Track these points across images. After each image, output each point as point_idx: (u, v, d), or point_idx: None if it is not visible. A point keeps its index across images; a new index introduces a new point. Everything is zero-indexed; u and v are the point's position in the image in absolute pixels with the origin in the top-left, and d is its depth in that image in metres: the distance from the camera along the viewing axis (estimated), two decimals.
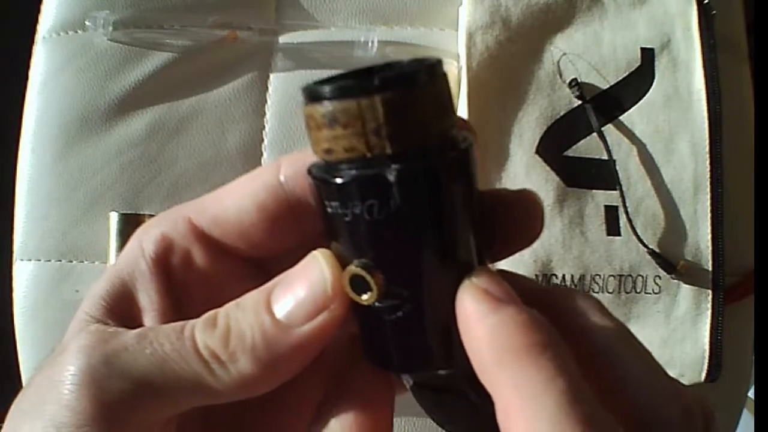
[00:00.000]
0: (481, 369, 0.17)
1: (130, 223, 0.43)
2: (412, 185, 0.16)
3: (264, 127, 0.45)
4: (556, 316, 0.18)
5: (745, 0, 0.49)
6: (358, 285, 0.17)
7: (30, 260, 0.44)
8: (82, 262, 0.44)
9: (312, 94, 0.16)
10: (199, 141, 0.44)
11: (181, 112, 0.44)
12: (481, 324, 0.16)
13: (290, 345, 0.18)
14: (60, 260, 0.44)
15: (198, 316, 0.19)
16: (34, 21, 0.46)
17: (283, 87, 0.45)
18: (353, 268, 0.17)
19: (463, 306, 0.17)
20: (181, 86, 0.45)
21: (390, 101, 0.16)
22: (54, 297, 0.43)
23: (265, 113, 0.45)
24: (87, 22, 0.44)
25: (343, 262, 0.18)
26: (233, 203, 0.20)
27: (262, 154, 0.45)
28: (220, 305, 0.19)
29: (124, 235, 0.42)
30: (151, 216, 0.43)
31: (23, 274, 0.44)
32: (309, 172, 0.17)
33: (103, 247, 0.43)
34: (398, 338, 0.18)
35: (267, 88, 0.45)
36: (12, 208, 0.44)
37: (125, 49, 0.44)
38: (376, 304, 0.17)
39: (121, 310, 0.20)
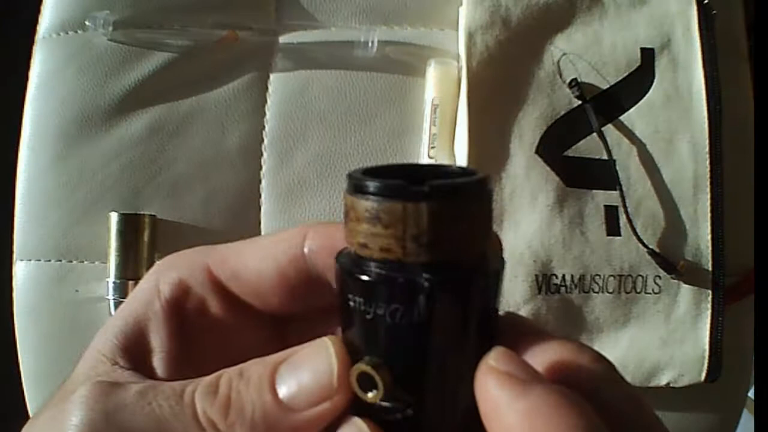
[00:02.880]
0: None
1: (130, 223, 0.43)
2: (441, 299, 0.16)
3: (264, 127, 0.45)
4: (567, 373, 0.17)
5: (745, 0, 0.49)
6: (365, 382, 0.17)
7: (30, 260, 0.44)
8: (82, 262, 0.44)
9: (358, 186, 0.16)
10: (199, 141, 0.44)
11: (181, 112, 0.44)
12: (512, 410, 0.15)
13: (289, 427, 0.18)
14: (60, 260, 0.44)
15: (207, 361, 0.19)
16: (34, 21, 0.46)
17: (283, 87, 0.45)
18: (363, 366, 0.17)
19: (486, 392, 0.16)
20: (181, 86, 0.45)
21: (435, 211, 0.15)
22: (54, 297, 0.43)
23: (265, 113, 0.45)
24: (87, 22, 0.44)
25: (353, 354, 0.18)
26: (254, 264, 0.20)
27: (262, 154, 0.45)
28: (229, 353, 0.20)
29: (124, 235, 0.42)
30: (152, 216, 0.43)
31: (23, 274, 0.44)
32: (337, 259, 0.17)
33: (103, 247, 0.43)
34: None
35: (267, 88, 0.45)
36: (12, 208, 0.44)
37: (125, 49, 0.44)
38: (380, 402, 0.17)
39: (132, 349, 0.20)
